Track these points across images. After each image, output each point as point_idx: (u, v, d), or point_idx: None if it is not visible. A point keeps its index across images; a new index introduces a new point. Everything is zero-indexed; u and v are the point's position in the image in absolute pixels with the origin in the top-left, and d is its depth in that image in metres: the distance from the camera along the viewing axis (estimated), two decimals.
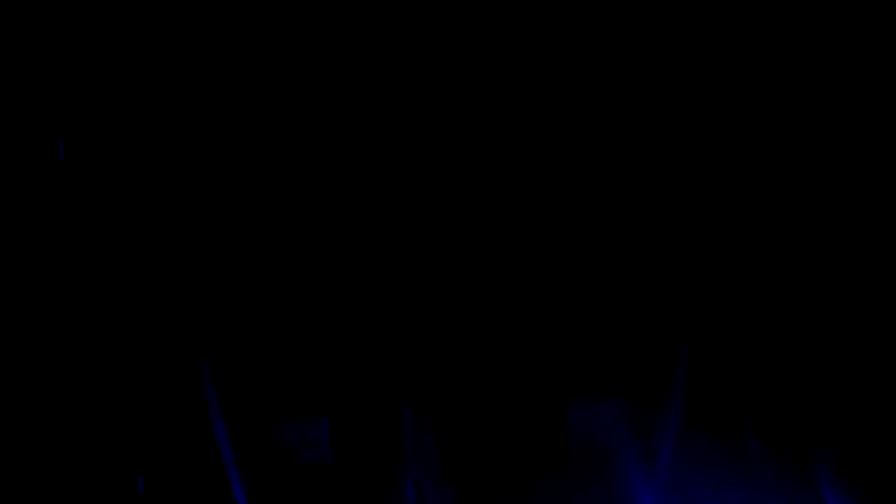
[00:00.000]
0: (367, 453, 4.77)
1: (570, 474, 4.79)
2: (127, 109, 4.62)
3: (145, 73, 4.60)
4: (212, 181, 4.67)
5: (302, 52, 4.63)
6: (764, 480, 4.64)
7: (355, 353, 4.74)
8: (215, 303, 4.69)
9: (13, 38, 4.47)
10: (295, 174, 4.71)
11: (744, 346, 4.70)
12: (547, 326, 4.74)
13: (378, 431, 4.76)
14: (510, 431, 4.82)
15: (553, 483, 4.79)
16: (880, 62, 4.57)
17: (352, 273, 4.72)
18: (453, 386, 4.79)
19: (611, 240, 4.73)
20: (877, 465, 4.55)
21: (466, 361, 4.78)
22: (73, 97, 4.54)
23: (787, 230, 4.64)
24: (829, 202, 4.62)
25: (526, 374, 4.79)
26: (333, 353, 4.76)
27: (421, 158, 4.72)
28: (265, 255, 4.72)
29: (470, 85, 4.67)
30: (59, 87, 4.52)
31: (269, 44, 4.63)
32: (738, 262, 4.69)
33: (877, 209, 4.60)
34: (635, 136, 4.72)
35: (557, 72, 4.68)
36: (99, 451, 4.56)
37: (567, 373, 4.79)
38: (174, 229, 4.65)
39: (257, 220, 4.71)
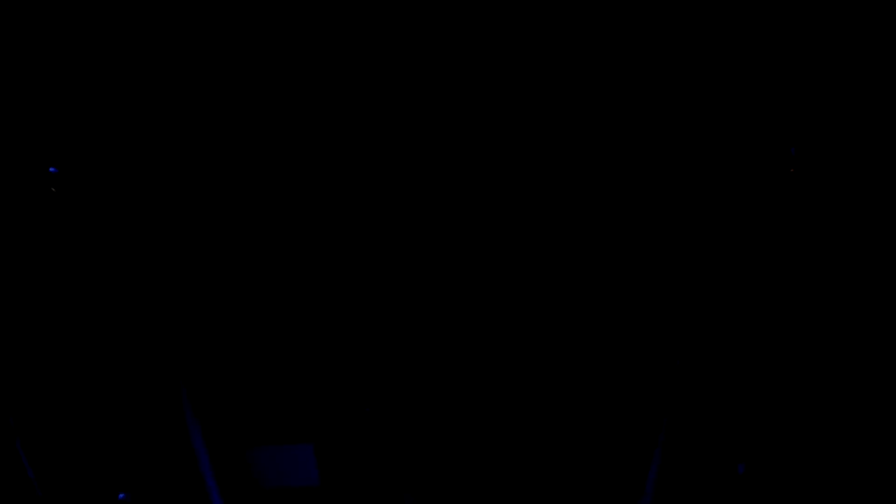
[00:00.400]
0: (357, 478, 4.75)
1: None
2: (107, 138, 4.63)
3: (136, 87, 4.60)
4: (192, 208, 4.66)
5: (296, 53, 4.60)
6: None
7: (346, 376, 4.72)
8: (197, 324, 4.67)
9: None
10: (278, 206, 4.69)
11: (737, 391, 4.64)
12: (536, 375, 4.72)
13: (368, 455, 4.73)
14: (504, 464, 4.79)
15: None
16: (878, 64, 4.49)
17: (344, 297, 4.70)
18: (449, 416, 4.77)
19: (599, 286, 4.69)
20: None
21: (461, 396, 4.76)
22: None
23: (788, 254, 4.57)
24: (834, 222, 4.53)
25: (521, 412, 4.77)
26: (322, 375, 4.74)
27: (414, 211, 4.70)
28: (249, 274, 4.70)
29: (467, 86, 4.64)
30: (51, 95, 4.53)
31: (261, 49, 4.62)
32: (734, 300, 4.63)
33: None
34: (624, 169, 4.67)
35: (561, 77, 4.63)
36: (80, 475, 4.56)
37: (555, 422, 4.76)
38: (155, 254, 4.64)
39: (242, 244, 4.69)
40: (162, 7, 4.51)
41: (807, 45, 4.52)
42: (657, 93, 4.56)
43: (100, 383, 4.56)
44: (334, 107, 4.58)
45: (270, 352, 4.72)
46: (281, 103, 4.58)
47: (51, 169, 4.50)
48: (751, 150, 4.57)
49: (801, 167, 4.50)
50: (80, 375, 4.56)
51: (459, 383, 4.73)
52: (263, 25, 4.56)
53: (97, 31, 4.52)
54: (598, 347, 4.65)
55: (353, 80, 4.60)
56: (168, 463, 4.61)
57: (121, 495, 4.50)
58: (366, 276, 4.66)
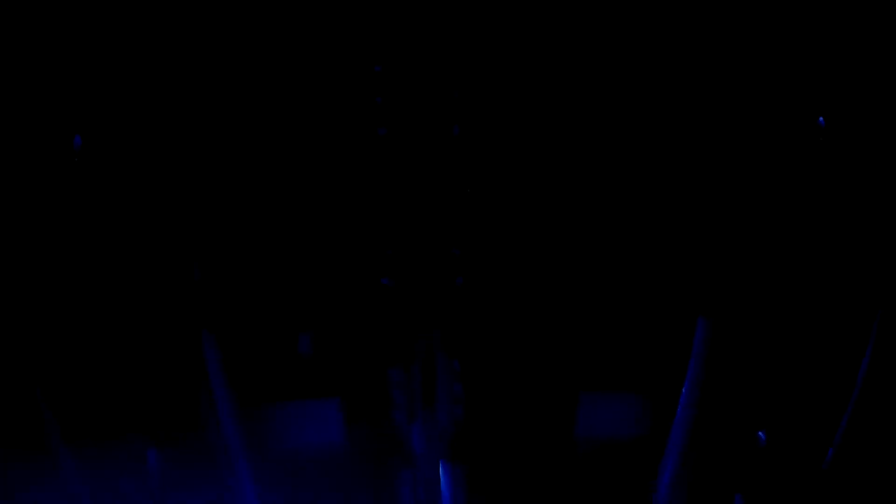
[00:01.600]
0: (379, 435, 4.74)
1: (576, 471, 4.78)
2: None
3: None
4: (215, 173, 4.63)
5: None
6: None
7: (370, 332, 4.69)
8: (220, 274, 4.64)
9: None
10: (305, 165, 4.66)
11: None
12: (558, 312, 4.68)
13: (389, 413, 4.72)
14: (518, 425, 4.79)
15: (558, 481, 4.78)
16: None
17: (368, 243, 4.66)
18: (466, 371, 4.76)
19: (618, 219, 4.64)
20: None
21: (480, 349, 4.75)
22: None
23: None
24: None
25: (538, 366, 4.75)
26: (347, 330, 4.72)
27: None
28: (275, 224, 4.66)
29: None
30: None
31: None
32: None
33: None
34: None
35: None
36: (102, 429, 4.54)
37: (579, 364, 4.74)
38: (176, 207, 4.60)
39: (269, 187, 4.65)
40: None
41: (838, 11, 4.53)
42: (684, 58, 4.57)
43: (117, 327, 4.52)
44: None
45: (295, 299, 4.69)
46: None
47: (75, 140, 4.48)
48: (779, 120, 4.58)
49: (829, 138, 4.52)
50: (99, 320, 4.53)
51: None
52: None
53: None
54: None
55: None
56: (187, 416, 4.59)
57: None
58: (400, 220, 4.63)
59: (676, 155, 4.62)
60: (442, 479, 4.76)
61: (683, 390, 4.64)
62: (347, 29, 4.66)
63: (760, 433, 4.60)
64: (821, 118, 4.50)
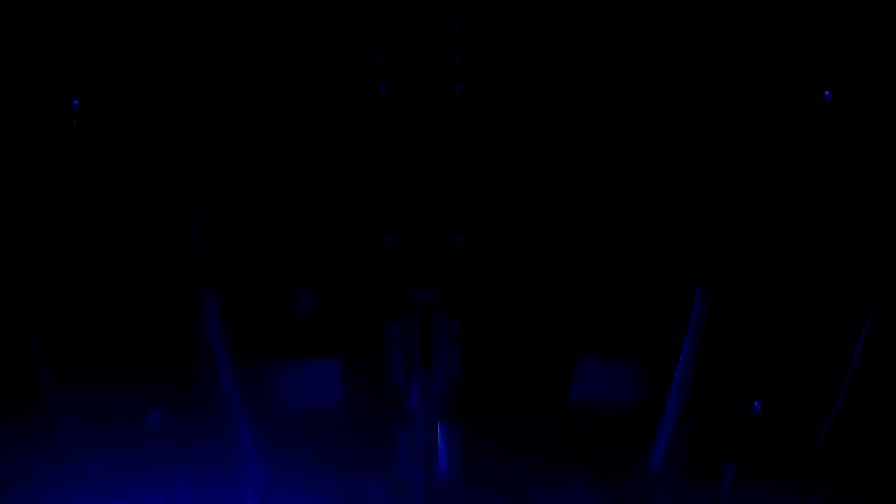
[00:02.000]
0: (378, 395, 4.77)
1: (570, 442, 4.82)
2: None
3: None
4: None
5: None
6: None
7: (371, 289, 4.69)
8: (222, 233, 4.64)
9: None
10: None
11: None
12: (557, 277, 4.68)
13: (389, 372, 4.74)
14: (516, 385, 4.81)
15: (555, 442, 4.82)
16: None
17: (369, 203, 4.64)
18: (466, 330, 4.77)
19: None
20: None
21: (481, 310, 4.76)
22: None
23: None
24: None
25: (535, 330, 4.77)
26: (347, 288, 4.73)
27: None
28: (280, 174, 4.64)
29: None
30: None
31: None
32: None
33: None
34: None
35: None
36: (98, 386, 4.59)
37: (578, 329, 4.75)
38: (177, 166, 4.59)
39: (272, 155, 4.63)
40: None
41: None
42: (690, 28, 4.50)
43: (120, 291, 4.54)
44: None
45: (296, 259, 4.69)
46: None
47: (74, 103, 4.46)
48: (781, 96, 4.52)
49: (834, 112, 4.46)
50: (100, 282, 4.54)
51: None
52: None
53: None
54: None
55: None
56: (190, 379, 4.63)
57: None
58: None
59: (679, 126, 4.58)
60: (440, 437, 4.81)
61: (681, 357, 4.65)
62: None
63: (756, 402, 4.61)
64: (826, 93, 4.43)
